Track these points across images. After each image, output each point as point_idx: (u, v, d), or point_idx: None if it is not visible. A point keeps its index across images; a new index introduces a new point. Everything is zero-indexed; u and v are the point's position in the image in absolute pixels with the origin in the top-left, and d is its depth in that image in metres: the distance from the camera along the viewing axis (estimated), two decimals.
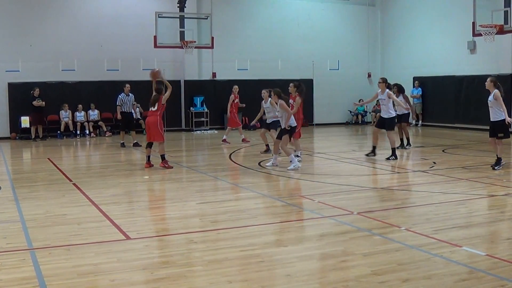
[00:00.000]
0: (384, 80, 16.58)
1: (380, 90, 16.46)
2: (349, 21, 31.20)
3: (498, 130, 14.24)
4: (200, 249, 7.72)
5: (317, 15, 30.26)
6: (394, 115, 16.51)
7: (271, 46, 28.83)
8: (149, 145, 15.47)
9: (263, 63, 28.38)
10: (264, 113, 17.97)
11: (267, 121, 17.69)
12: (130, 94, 20.84)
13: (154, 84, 15.51)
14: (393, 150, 16.06)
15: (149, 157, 15.41)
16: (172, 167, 15.24)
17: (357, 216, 9.52)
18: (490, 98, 14.25)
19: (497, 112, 14.15)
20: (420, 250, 7.48)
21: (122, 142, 20.68)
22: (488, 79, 14.42)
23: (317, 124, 29.34)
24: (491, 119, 14.33)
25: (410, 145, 18.53)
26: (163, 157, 15.28)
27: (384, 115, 16.43)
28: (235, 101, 21.79)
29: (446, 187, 12.23)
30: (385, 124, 16.38)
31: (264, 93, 17.69)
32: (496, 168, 14.24)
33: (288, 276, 6.57)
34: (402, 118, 18.13)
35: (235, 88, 22.13)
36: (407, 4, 30.14)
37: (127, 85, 20.79)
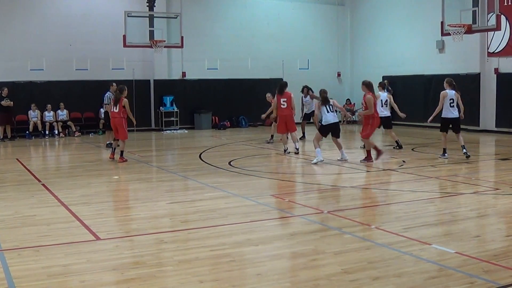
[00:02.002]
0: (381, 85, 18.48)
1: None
2: (319, 20, 31.32)
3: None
4: (170, 249, 7.69)
5: (287, 14, 30.33)
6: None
7: (241, 45, 28.81)
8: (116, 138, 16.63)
9: (233, 63, 28.33)
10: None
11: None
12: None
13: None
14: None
15: (114, 149, 16.70)
16: (126, 160, 16.26)
17: (328, 215, 9.55)
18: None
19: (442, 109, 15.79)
20: (390, 248, 7.52)
21: (109, 142, 20.04)
22: (445, 80, 16.14)
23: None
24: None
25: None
26: (121, 153, 16.34)
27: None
28: None
29: (415, 186, 12.33)
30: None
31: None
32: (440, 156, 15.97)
33: (259, 275, 6.57)
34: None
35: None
36: (377, 3, 30.35)
37: (114, 84, 20.46)
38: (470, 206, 10.39)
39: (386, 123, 17.86)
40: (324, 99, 15.40)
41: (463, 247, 7.54)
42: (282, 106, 17.23)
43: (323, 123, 15.39)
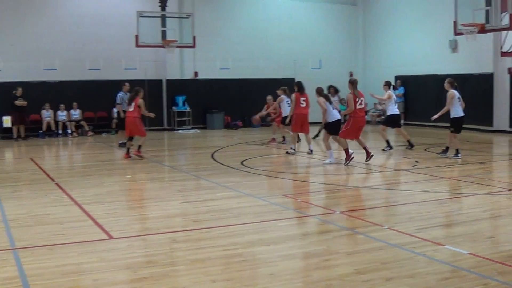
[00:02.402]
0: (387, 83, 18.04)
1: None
2: (331, 20, 31.25)
3: (451, 125, 15.82)
4: (183, 248, 7.70)
5: (299, 14, 30.29)
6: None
7: (253, 45, 28.81)
8: (130, 138, 16.84)
9: (245, 62, 28.34)
10: None
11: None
12: (128, 93, 20.50)
13: None
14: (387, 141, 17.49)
15: (128, 149, 16.78)
16: (143, 157, 16.52)
17: (340, 215, 9.53)
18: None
19: (451, 110, 15.63)
20: (403, 248, 7.49)
21: (122, 141, 20.04)
22: (446, 80, 15.95)
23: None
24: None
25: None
26: (139, 147, 16.66)
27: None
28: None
29: (428, 186, 12.28)
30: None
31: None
32: (451, 157, 15.70)
33: (271, 275, 6.56)
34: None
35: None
36: (389, 3, 30.25)
37: (126, 84, 20.51)
38: (483, 207, 10.33)
39: (395, 121, 17.78)
40: (326, 97, 15.52)
41: (477, 248, 7.50)
42: (301, 105, 17.07)
43: (330, 120, 15.35)
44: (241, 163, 15.70)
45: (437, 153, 16.28)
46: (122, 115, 20.11)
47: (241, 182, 12.93)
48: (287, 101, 18.92)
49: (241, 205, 10.48)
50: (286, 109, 18.70)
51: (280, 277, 6.49)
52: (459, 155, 15.66)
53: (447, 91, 15.75)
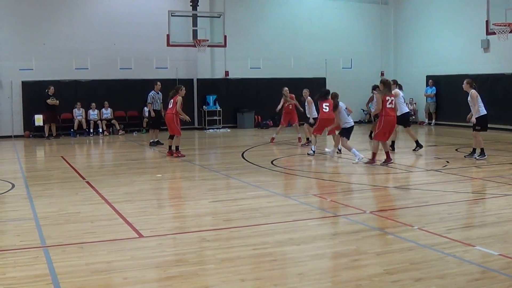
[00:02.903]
0: (394, 82, 17.51)
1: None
2: (362, 19, 31.13)
3: (477, 124, 15.55)
4: (212, 247, 7.73)
5: (330, 13, 30.22)
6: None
7: (283, 44, 28.82)
8: (171, 137, 17.41)
9: (275, 62, 28.38)
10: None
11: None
12: (159, 92, 20.66)
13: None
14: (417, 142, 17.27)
15: (170, 146, 17.46)
16: (184, 155, 16.92)
17: (370, 215, 9.51)
18: (468, 98, 15.57)
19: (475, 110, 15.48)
20: (433, 249, 7.45)
21: (152, 140, 20.39)
22: (465, 81, 15.87)
23: None
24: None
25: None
26: (177, 148, 17.21)
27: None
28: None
29: (459, 186, 12.19)
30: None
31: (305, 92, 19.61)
32: (478, 158, 15.41)
33: (301, 274, 6.57)
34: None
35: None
36: (420, 2, 30.04)
37: (158, 83, 20.66)
38: None
39: (404, 120, 17.50)
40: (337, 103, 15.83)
41: (507, 249, 7.43)
42: (324, 110, 17.01)
43: (347, 125, 15.65)
44: (271, 162, 15.72)
45: (465, 156, 16.02)
46: (152, 114, 20.28)
47: (271, 181, 12.96)
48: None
49: (271, 204, 10.50)
50: (313, 111, 18.66)
51: (309, 276, 6.50)
52: (484, 155, 15.47)
53: (467, 92, 15.71)
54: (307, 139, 19.39)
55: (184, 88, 17.28)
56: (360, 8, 31.01)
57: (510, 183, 12.42)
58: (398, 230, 8.47)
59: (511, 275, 6.43)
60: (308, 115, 18.85)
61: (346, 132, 15.73)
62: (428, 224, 8.86)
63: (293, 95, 20.53)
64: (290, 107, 20.47)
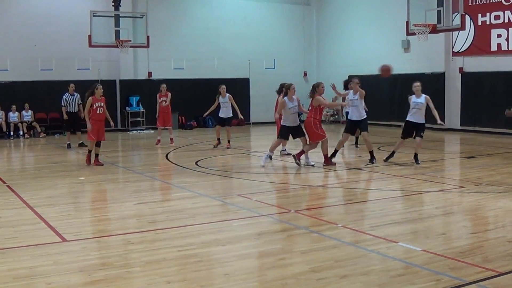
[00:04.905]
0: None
1: (352, 90, 15.81)
2: (285, 20, 31.38)
3: (422, 130, 15.05)
4: (137, 250, 7.64)
5: (253, 14, 30.34)
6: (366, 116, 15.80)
7: (207, 45, 28.75)
8: (98, 144, 15.85)
9: (199, 62, 28.29)
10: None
11: (222, 116, 19.03)
12: (75, 93, 20.32)
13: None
14: (371, 153, 15.48)
15: (97, 155, 15.83)
16: (102, 164, 15.71)
17: (295, 214, 9.58)
18: (421, 100, 14.98)
19: (423, 114, 14.98)
20: (357, 246, 7.57)
21: (68, 143, 20.16)
22: (419, 84, 15.39)
23: (253, 123, 29.40)
24: (416, 121, 15.00)
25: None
26: (89, 152, 15.84)
27: (355, 117, 15.57)
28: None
29: (381, 184, 12.42)
30: (357, 126, 15.71)
31: (224, 88, 19.20)
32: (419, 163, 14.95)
33: (227, 275, 6.56)
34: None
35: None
36: (342, 3, 30.52)
37: (72, 85, 20.32)
38: (435, 204, 10.49)
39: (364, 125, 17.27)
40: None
41: (429, 245, 7.61)
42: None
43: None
44: (196, 163, 15.66)
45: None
46: (65, 116, 20.03)
47: (196, 182, 12.90)
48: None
49: (196, 205, 10.45)
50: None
51: (235, 277, 6.50)
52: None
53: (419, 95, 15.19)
54: (218, 139, 19.13)
55: (101, 87, 16.04)
56: (283, 9, 31.25)
57: (431, 180, 12.75)
58: (322, 228, 8.56)
59: (433, 270, 6.58)
60: (225, 115, 18.87)
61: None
62: (352, 222, 9.01)
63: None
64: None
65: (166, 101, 20.46)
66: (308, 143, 14.77)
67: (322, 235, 8.20)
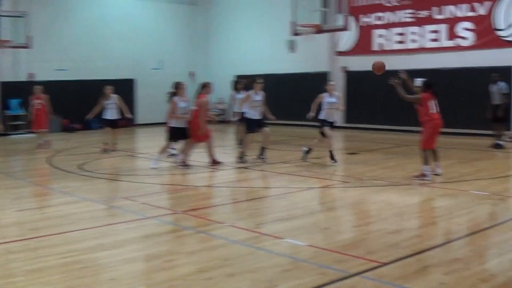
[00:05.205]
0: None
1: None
2: (172, 20, 31.21)
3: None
4: (19, 258, 7.35)
5: (139, 14, 29.95)
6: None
7: (91, 45, 28.12)
8: None
9: (83, 63, 27.62)
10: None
11: (109, 118, 18.56)
12: None
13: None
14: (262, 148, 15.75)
15: None
16: None
17: (181, 215, 9.53)
18: (334, 100, 15.01)
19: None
20: (244, 244, 7.61)
21: None
22: (334, 82, 15.68)
23: (140, 124, 29.04)
24: (331, 120, 15.19)
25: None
26: None
27: (259, 116, 15.50)
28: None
29: (267, 182, 12.57)
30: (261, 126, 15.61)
31: (108, 89, 18.67)
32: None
33: (113, 280, 6.43)
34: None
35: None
36: (229, 4, 30.70)
37: None
38: (320, 200, 10.73)
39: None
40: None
41: (314, 240, 7.77)
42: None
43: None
44: (80, 167, 15.28)
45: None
46: None
47: (81, 186, 12.57)
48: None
49: (79, 210, 10.17)
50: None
51: (122, 281, 6.38)
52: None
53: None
54: (107, 143, 18.58)
55: None
56: (169, 8, 31.05)
57: (315, 177, 13.01)
58: (209, 228, 8.57)
59: (319, 264, 6.71)
60: (112, 116, 18.57)
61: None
62: (238, 221, 9.06)
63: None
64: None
65: (40, 104, 19.84)
66: (191, 143, 14.70)
67: (209, 234, 8.20)
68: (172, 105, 14.73)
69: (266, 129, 15.36)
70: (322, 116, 15.03)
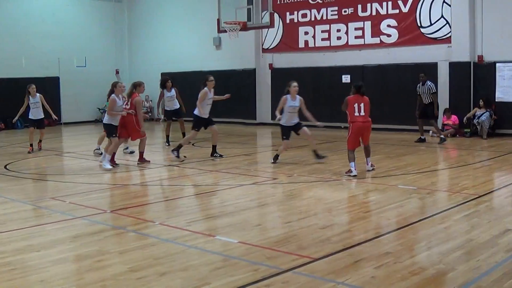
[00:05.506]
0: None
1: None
2: (96, 17, 30.77)
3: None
4: None
5: (62, 11, 29.38)
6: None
7: (14, 43, 27.41)
8: None
9: (5, 61, 26.90)
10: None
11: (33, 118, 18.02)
12: None
13: None
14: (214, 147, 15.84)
15: None
16: None
17: (111, 214, 9.45)
18: (297, 103, 14.41)
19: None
20: (175, 243, 7.60)
21: None
22: (297, 84, 14.65)
23: (65, 123, 28.51)
24: (293, 123, 14.59)
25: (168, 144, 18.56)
26: None
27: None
28: None
29: (197, 180, 12.56)
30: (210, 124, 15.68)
31: (32, 88, 17.97)
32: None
33: (43, 281, 6.32)
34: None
35: None
36: (154, 0, 30.42)
37: None
38: (250, 197, 10.78)
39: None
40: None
41: (246, 237, 7.82)
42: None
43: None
44: (5, 167, 14.92)
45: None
46: None
47: (6, 187, 12.29)
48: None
49: (6, 211, 9.94)
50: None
51: (51, 282, 6.28)
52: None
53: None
54: (31, 144, 17.91)
55: None
56: (93, 5, 30.61)
57: (245, 174, 13.07)
58: (140, 227, 8.52)
59: (250, 261, 6.76)
60: (36, 116, 18.10)
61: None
62: (169, 219, 9.04)
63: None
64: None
65: None
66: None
67: (140, 233, 8.16)
68: (110, 102, 14.52)
69: (214, 127, 15.37)
70: (283, 121, 14.41)
